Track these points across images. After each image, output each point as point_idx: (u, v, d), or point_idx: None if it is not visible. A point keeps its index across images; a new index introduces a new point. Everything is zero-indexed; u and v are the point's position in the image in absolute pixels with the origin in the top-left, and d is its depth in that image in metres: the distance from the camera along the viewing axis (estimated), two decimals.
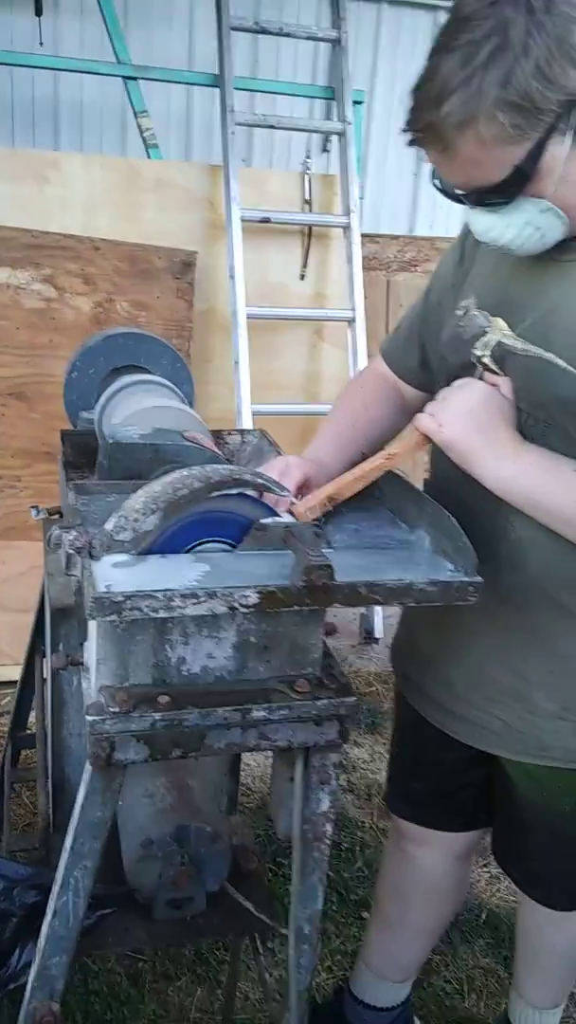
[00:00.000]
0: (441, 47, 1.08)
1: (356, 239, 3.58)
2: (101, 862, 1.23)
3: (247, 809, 2.54)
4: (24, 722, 2.27)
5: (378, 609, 3.64)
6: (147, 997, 2.00)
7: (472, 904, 2.34)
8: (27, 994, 1.29)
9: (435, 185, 1.19)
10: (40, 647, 2.08)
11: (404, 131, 1.13)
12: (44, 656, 2.03)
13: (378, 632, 3.63)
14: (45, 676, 1.89)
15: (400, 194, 4.54)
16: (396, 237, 4.19)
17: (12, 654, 3.00)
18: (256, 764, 2.78)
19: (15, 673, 2.60)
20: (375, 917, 1.85)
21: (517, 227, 1.17)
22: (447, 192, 1.19)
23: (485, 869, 2.46)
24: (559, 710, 1.36)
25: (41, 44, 3.76)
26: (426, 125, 1.10)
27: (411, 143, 1.14)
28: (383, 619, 3.64)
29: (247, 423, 3.37)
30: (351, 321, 3.61)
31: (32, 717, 2.23)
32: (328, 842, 1.30)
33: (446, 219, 4.48)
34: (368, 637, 3.66)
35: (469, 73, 1.05)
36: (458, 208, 1.25)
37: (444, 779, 1.61)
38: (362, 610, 3.67)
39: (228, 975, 1.83)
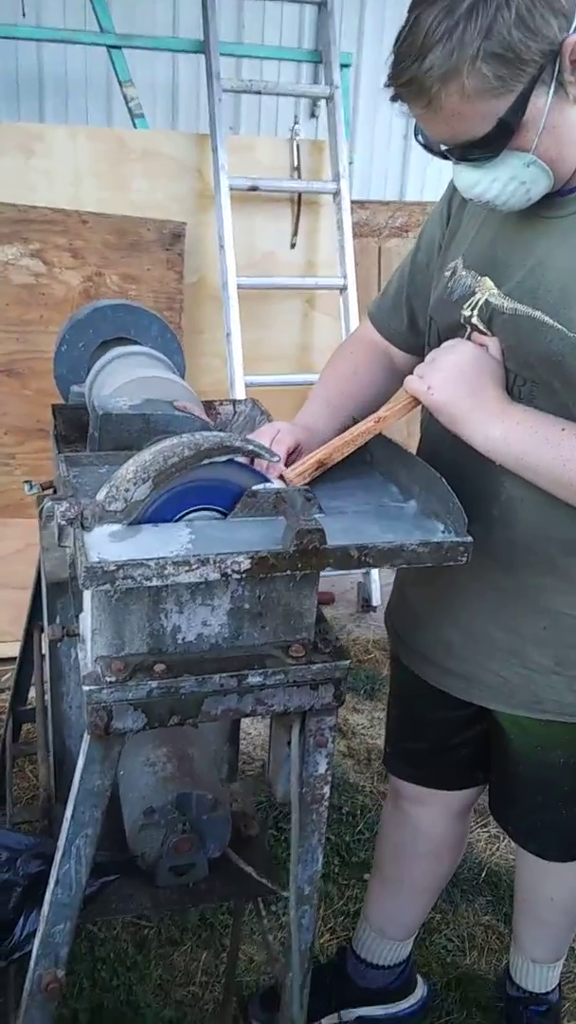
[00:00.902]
0: (421, 1, 1.07)
1: (346, 205, 3.55)
2: (103, 830, 1.24)
3: (249, 777, 2.56)
4: (24, 697, 2.28)
5: (375, 577, 3.65)
6: (153, 963, 2.04)
7: (472, 863, 2.37)
8: (32, 962, 1.32)
9: (418, 141, 1.18)
10: (38, 622, 2.09)
11: (387, 86, 1.12)
12: (42, 631, 2.04)
13: (376, 600, 3.64)
14: (44, 651, 1.91)
15: (390, 159, 4.50)
16: (387, 203, 4.16)
17: (12, 631, 3.01)
18: (257, 733, 2.81)
19: (14, 650, 2.60)
20: (375, 877, 1.88)
21: (503, 182, 1.16)
22: (431, 148, 1.18)
23: (484, 829, 2.49)
24: (553, 665, 1.38)
25: (24, 15, 3.70)
26: (409, 79, 1.09)
27: (394, 98, 1.13)
28: (380, 587, 3.65)
29: (240, 395, 3.36)
30: (343, 289, 3.59)
31: (32, 692, 2.25)
32: (326, 804, 1.32)
33: (437, 183, 4.44)
34: (366, 605, 3.67)
35: (451, 25, 1.04)
36: (448, 171, 1.24)
37: (441, 738, 1.63)
38: (359, 579, 3.69)
39: (231, 939, 1.86)
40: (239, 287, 3.39)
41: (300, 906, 1.38)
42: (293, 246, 3.66)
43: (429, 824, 1.74)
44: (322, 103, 3.87)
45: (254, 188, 3.43)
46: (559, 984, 1.93)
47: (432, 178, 4.48)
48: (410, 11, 1.09)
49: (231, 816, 1.51)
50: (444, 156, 1.17)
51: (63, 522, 1.10)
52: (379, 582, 3.65)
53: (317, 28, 4.02)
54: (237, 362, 3.39)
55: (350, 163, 3.61)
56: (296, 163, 3.57)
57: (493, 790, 1.68)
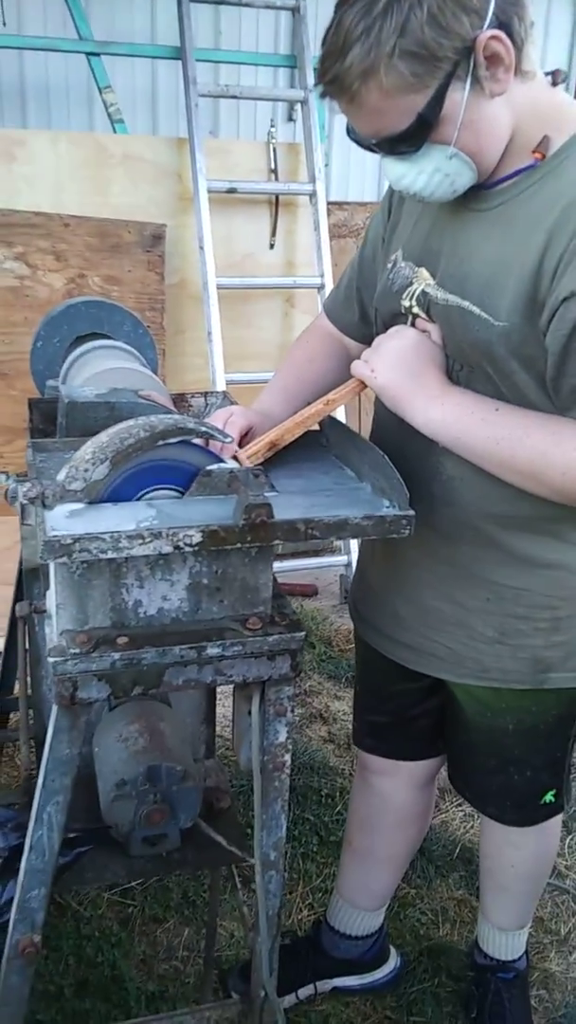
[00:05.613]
0: (344, 1, 1.13)
1: (322, 206, 3.62)
2: (80, 803, 1.30)
3: (231, 760, 2.62)
4: (10, 686, 2.35)
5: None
6: (137, 939, 2.10)
7: (447, 841, 2.44)
8: (10, 928, 1.38)
9: (350, 136, 1.25)
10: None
11: (315, 84, 1.19)
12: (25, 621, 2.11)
13: None
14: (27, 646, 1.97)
15: (367, 160, 4.56)
16: (364, 204, 4.23)
17: (1, 625, 3.07)
18: None
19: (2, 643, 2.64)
20: (346, 850, 1.94)
21: (427, 174, 1.23)
22: (360, 142, 1.24)
23: (460, 808, 2.56)
24: (497, 635, 1.45)
25: (4, 24, 3.77)
26: (333, 77, 1.15)
27: (322, 95, 1.19)
28: None
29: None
30: (320, 288, 3.66)
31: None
32: (287, 771, 1.38)
33: None
34: (348, 597, 3.73)
35: (368, 24, 1.10)
36: None
37: (402, 710, 1.70)
38: (342, 571, 3.75)
39: (208, 910, 1.92)
40: (219, 287, 3.46)
41: (266, 872, 1.44)
42: (272, 247, 3.73)
43: (395, 795, 1.81)
44: (298, 106, 3.94)
45: (232, 190, 3.50)
46: (526, 952, 2.00)
47: None
48: (335, 10, 1.15)
49: (202, 788, 1.57)
50: (372, 150, 1.24)
51: (25, 501, 1.17)
52: None
53: (292, 33, 4.09)
54: (218, 360, 3.46)
55: (326, 165, 3.68)
56: (273, 165, 3.64)
57: (451, 759, 1.74)
